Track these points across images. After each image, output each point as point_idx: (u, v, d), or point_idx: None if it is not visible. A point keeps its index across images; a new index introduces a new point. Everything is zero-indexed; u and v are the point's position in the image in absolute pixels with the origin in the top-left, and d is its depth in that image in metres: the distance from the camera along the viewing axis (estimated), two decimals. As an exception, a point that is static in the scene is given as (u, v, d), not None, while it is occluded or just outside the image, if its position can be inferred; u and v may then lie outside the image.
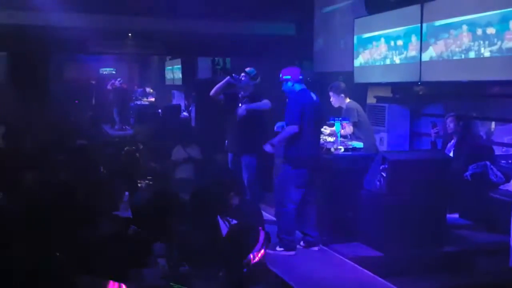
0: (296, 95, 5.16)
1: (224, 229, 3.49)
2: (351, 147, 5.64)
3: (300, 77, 5.25)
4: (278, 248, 5.07)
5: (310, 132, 5.09)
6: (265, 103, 6.07)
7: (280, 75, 5.25)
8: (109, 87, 15.09)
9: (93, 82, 18.13)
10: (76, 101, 10.31)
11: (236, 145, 6.15)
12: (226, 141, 6.30)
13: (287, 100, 5.25)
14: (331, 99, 6.12)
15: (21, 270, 2.43)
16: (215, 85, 6.32)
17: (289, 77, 5.20)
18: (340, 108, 6.10)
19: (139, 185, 5.60)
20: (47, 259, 2.57)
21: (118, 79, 15.15)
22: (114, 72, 19.80)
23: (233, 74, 6.19)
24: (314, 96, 5.23)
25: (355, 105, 6.14)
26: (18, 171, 5.05)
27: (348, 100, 6.10)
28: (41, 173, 5.20)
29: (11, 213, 3.54)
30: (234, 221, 3.61)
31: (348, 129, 5.87)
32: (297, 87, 5.19)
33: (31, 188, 4.61)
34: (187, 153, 7.59)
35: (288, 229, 5.09)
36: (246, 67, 6.26)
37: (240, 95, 6.18)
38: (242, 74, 6.15)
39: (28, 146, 7.17)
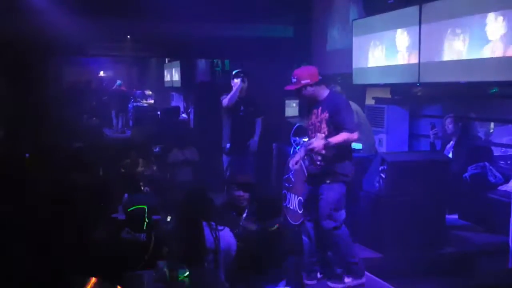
0: (342, 97, 4.51)
1: (208, 233, 3.47)
2: (350, 148, 5.61)
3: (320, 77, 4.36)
4: (346, 279, 4.37)
5: None
6: (259, 124, 6.37)
7: (295, 79, 4.33)
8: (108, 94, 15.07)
9: (92, 84, 18.13)
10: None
11: (241, 147, 6.27)
12: (228, 144, 6.36)
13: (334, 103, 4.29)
14: None
15: (21, 271, 2.43)
16: (214, 87, 6.36)
17: (307, 80, 4.29)
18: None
19: (137, 187, 5.60)
20: (46, 260, 2.56)
21: (118, 82, 15.07)
22: (110, 75, 19.83)
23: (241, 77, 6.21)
24: None
25: (354, 106, 6.11)
26: (17, 175, 5.04)
27: (346, 102, 6.07)
28: (40, 176, 5.20)
29: (12, 216, 3.53)
30: (220, 227, 3.57)
31: None
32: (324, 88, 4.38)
33: (30, 191, 4.60)
34: (185, 155, 7.57)
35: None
36: (245, 69, 6.31)
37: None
38: (239, 77, 6.21)
39: (26, 149, 7.15)
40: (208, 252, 3.39)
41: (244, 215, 4.44)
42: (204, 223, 3.44)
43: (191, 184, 6.83)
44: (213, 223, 3.49)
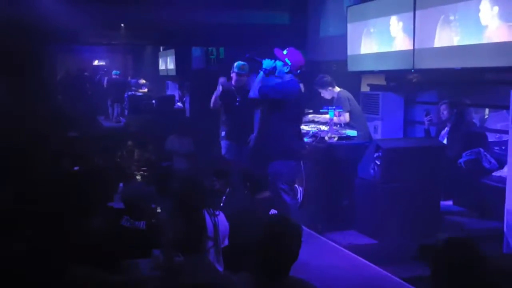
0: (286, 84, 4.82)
1: (208, 221, 3.46)
2: (345, 135, 5.64)
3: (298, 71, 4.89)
4: None
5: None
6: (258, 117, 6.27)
7: (280, 53, 4.89)
8: (105, 83, 14.98)
9: (86, 73, 18.00)
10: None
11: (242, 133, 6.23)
12: (224, 131, 6.34)
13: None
14: (321, 94, 6.15)
15: (19, 262, 2.43)
16: (210, 75, 6.37)
17: (289, 63, 4.85)
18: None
19: (132, 176, 5.60)
20: (43, 251, 2.56)
21: (115, 71, 14.96)
22: (104, 63, 19.71)
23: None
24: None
25: (346, 94, 6.15)
26: (10, 164, 5.02)
27: (338, 89, 6.11)
28: (34, 165, 5.18)
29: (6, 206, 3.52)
30: (216, 212, 3.56)
31: (343, 117, 5.87)
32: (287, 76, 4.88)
33: (23, 180, 4.59)
34: (181, 144, 7.57)
35: None
36: (239, 57, 6.29)
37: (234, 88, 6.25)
38: (241, 72, 6.20)
39: (20, 138, 7.12)
40: (209, 240, 3.39)
41: None
42: (204, 210, 3.44)
43: (187, 172, 6.83)
44: (211, 209, 3.49)
